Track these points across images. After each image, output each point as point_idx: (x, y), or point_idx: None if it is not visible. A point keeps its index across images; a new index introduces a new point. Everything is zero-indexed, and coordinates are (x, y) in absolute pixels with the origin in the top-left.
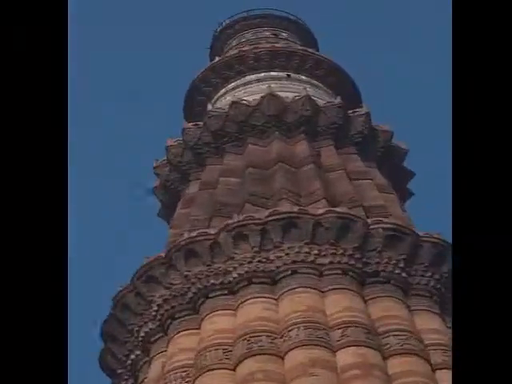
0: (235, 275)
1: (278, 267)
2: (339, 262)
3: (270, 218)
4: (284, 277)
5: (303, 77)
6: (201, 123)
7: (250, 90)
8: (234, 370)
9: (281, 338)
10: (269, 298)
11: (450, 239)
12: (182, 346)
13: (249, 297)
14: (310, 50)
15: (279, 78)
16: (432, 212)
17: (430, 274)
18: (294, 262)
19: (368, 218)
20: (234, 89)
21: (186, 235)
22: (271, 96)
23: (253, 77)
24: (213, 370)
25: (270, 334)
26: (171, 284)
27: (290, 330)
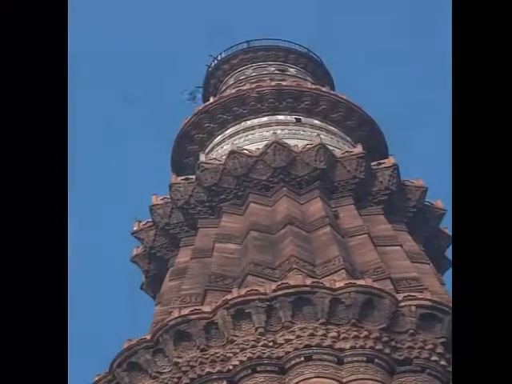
0: (236, 362)
1: (287, 353)
2: (363, 347)
3: (278, 293)
4: (295, 364)
5: (316, 121)
6: (192, 177)
7: (251, 138)
8: None
9: None
10: None
11: None
12: None
13: None
14: (323, 88)
15: (287, 123)
16: None
17: None
18: (308, 346)
19: (398, 292)
20: (232, 136)
21: (175, 313)
22: (277, 144)
23: (255, 121)
24: None
25: None
26: (158, 373)
27: None
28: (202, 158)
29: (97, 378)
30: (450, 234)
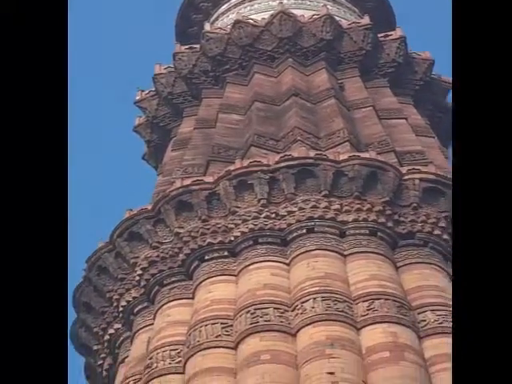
0: (237, 233)
1: (289, 224)
2: (365, 220)
3: (281, 165)
4: (297, 236)
5: None
6: (197, 47)
7: (257, 7)
8: (234, 348)
9: (292, 311)
10: (278, 261)
11: None
12: (171, 318)
13: (254, 260)
14: None
15: None
16: None
17: None
18: (310, 218)
19: (402, 166)
20: (237, 5)
21: (177, 184)
22: (283, 14)
23: None
24: (209, 348)
25: (279, 306)
26: (159, 243)
27: (303, 302)
28: (207, 27)
29: (97, 247)
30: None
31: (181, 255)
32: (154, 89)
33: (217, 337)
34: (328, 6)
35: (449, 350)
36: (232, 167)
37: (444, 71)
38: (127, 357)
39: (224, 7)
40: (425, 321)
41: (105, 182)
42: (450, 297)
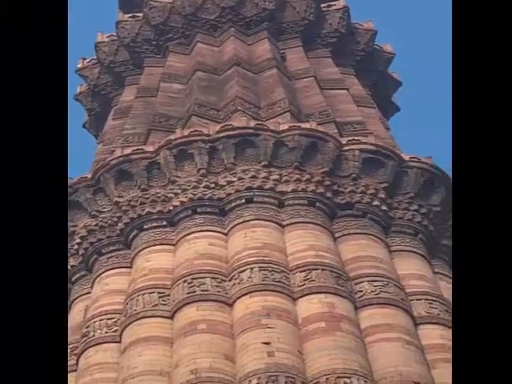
0: (176, 203)
1: (228, 194)
2: (304, 190)
3: (221, 135)
4: (236, 206)
5: None
6: (140, 15)
7: None
8: (171, 318)
9: (230, 280)
10: (216, 231)
11: (442, 164)
12: (109, 287)
13: (192, 230)
14: None
15: None
16: (421, 131)
17: (415, 207)
18: (249, 188)
19: (342, 136)
20: None
21: (117, 152)
22: None
23: None
24: (146, 317)
25: (216, 276)
26: (98, 212)
27: (241, 272)
28: None
29: None
30: (398, 78)
31: (120, 224)
32: (95, 57)
33: (154, 306)
34: None
35: (384, 320)
36: (172, 136)
37: (385, 41)
38: None
39: None
40: (362, 291)
41: None
42: (387, 267)
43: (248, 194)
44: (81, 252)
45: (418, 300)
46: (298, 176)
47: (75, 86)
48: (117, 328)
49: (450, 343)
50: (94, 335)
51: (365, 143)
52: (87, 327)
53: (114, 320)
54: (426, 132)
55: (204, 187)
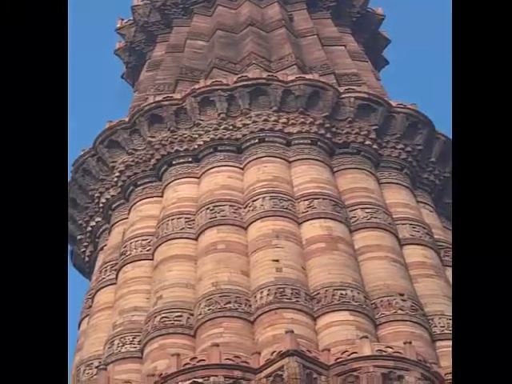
0: (200, 142)
1: (244, 135)
2: (308, 132)
3: (238, 84)
4: (250, 145)
5: None
6: None
7: None
8: (195, 239)
9: (245, 208)
10: (234, 166)
11: (424, 111)
12: (143, 213)
13: (213, 165)
14: None
15: None
16: (408, 82)
17: (401, 146)
18: (262, 130)
19: (340, 86)
20: None
21: (150, 99)
22: None
23: None
24: (174, 239)
25: (233, 204)
26: (134, 150)
27: (254, 200)
28: None
29: (82, 152)
30: (387, 36)
31: (152, 160)
32: (132, 18)
33: (181, 229)
34: None
35: (375, 241)
36: (197, 86)
37: (377, 4)
38: (106, 245)
39: None
40: (355, 217)
41: (88, 97)
42: (377, 197)
43: (261, 134)
44: (119, 184)
45: (403, 224)
46: (302, 119)
47: (114, 43)
48: (150, 248)
49: (430, 261)
50: (130, 254)
51: (359, 92)
52: (125, 247)
53: (147, 241)
54: (412, 82)
55: (223, 129)
